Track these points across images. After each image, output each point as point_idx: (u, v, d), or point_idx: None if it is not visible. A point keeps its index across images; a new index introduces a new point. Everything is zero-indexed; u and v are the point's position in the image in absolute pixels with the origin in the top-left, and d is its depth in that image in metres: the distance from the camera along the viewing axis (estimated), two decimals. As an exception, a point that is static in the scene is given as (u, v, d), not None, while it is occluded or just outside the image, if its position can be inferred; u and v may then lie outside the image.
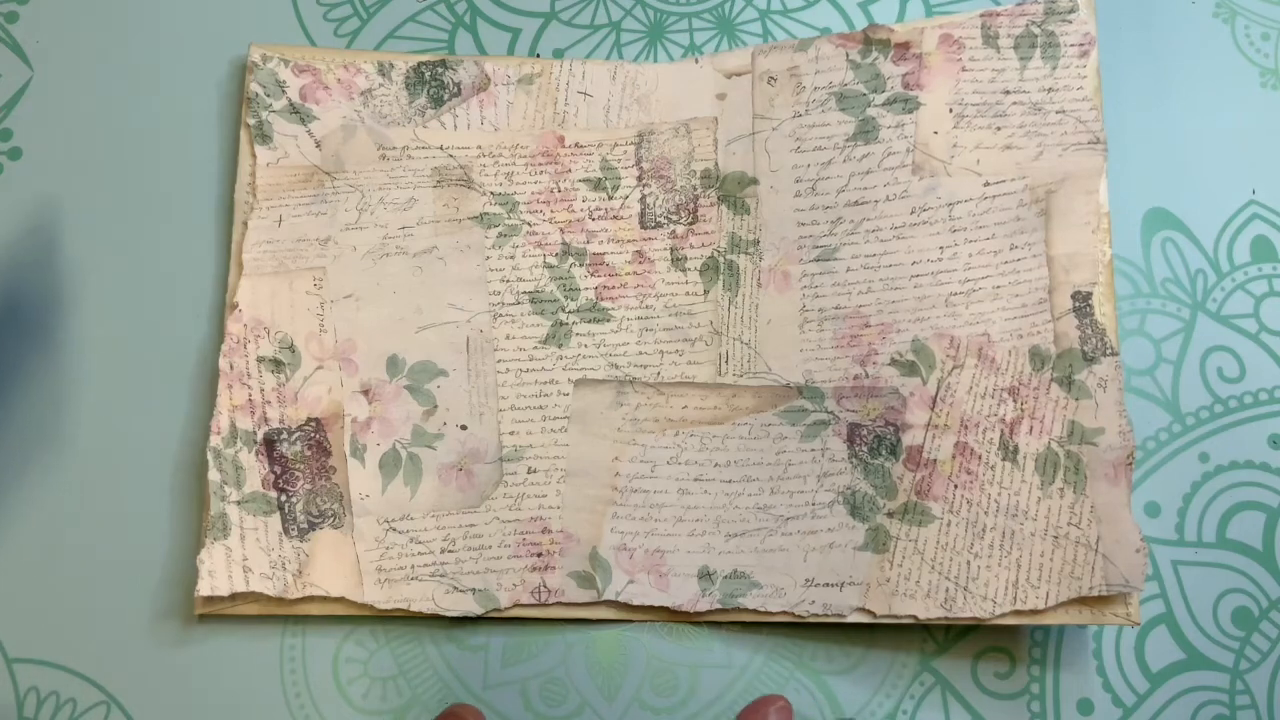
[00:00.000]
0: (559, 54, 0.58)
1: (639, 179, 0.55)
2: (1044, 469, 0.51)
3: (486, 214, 0.55)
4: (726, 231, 0.55)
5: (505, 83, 0.56)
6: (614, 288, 0.54)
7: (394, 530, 0.52)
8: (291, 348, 0.53)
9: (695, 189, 0.55)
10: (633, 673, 0.52)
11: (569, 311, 0.54)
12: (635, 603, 0.51)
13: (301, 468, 0.52)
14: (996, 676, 0.52)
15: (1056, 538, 0.50)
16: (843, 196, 0.54)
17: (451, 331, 0.54)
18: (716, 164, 0.55)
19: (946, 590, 0.50)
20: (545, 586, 0.51)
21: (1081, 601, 0.50)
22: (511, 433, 0.53)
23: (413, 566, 0.52)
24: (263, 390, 0.52)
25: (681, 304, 0.54)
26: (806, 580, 0.51)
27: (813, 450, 0.52)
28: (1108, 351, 0.51)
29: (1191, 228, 0.56)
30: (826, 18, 0.59)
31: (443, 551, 0.52)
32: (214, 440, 0.51)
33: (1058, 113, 0.53)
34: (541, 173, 0.55)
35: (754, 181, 0.55)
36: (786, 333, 0.53)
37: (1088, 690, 0.52)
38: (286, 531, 0.51)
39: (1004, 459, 0.51)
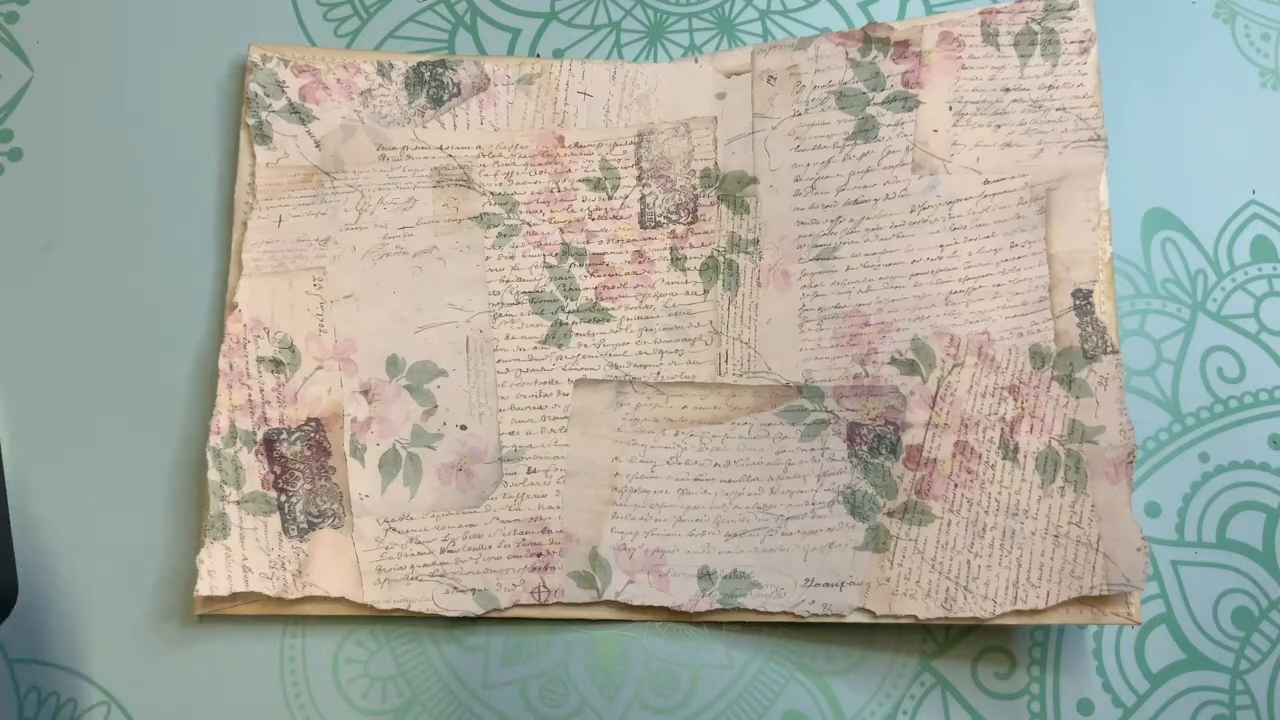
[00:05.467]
0: (559, 54, 0.58)
1: (639, 179, 0.55)
2: (1044, 468, 0.51)
3: (486, 214, 0.55)
4: (726, 231, 0.55)
5: (505, 83, 0.56)
6: (614, 288, 0.54)
7: (394, 530, 0.52)
8: (291, 348, 0.53)
9: (695, 188, 0.55)
10: (633, 673, 0.52)
11: (569, 311, 0.54)
12: (635, 603, 0.51)
13: (301, 468, 0.52)
14: (996, 677, 0.52)
15: (1057, 537, 0.50)
16: (842, 195, 0.54)
17: (451, 331, 0.54)
18: (716, 163, 0.55)
19: (946, 590, 0.50)
20: (545, 586, 0.51)
21: (1082, 601, 0.50)
22: (511, 433, 0.53)
23: (412, 566, 0.51)
24: (262, 390, 0.52)
25: (681, 304, 0.54)
26: (806, 580, 0.51)
27: (812, 450, 0.52)
28: (1108, 349, 0.51)
29: (1191, 228, 0.56)
30: (826, 18, 0.59)
31: (442, 551, 0.52)
32: (214, 440, 0.51)
33: (1058, 110, 0.54)
34: (541, 173, 0.55)
35: (754, 181, 0.55)
36: (786, 332, 0.53)
37: (1088, 690, 0.52)
38: (286, 531, 0.51)
39: (1004, 458, 0.51)
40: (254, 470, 0.52)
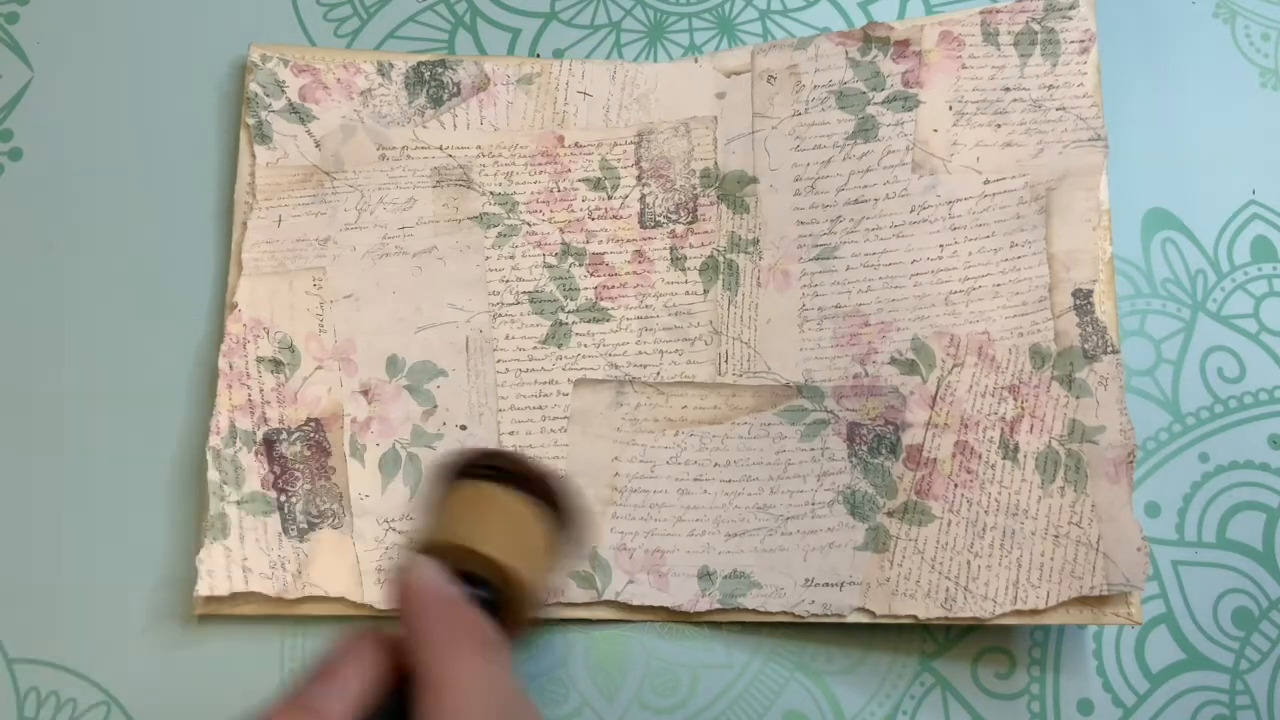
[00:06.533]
0: (559, 54, 0.58)
1: (638, 178, 0.55)
2: (1044, 468, 0.51)
3: (486, 214, 0.55)
4: (726, 230, 0.55)
5: (505, 83, 0.56)
6: (613, 287, 0.54)
7: (394, 530, 0.52)
8: (291, 348, 0.53)
9: (695, 188, 0.55)
10: (633, 673, 0.52)
11: (568, 311, 0.54)
12: (635, 603, 0.51)
13: (301, 468, 0.52)
14: (996, 677, 0.52)
15: (1057, 537, 0.50)
16: (842, 195, 0.54)
17: (451, 331, 0.54)
18: (716, 163, 0.55)
19: (946, 590, 0.50)
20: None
21: (1082, 601, 0.50)
22: (511, 433, 0.53)
23: (412, 566, 0.51)
24: (262, 390, 0.52)
25: (681, 303, 0.54)
26: (806, 580, 0.51)
27: (812, 450, 0.52)
28: (1108, 349, 0.51)
29: (1191, 228, 0.56)
30: (826, 17, 0.59)
31: (442, 551, 0.52)
32: (213, 440, 0.51)
33: (1058, 110, 0.54)
34: (541, 173, 0.55)
35: (753, 180, 0.55)
36: (786, 332, 0.53)
37: (1088, 690, 0.52)
38: (286, 531, 0.51)
39: (1004, 458, 0.51)
40: (254, 470, 0.52)
